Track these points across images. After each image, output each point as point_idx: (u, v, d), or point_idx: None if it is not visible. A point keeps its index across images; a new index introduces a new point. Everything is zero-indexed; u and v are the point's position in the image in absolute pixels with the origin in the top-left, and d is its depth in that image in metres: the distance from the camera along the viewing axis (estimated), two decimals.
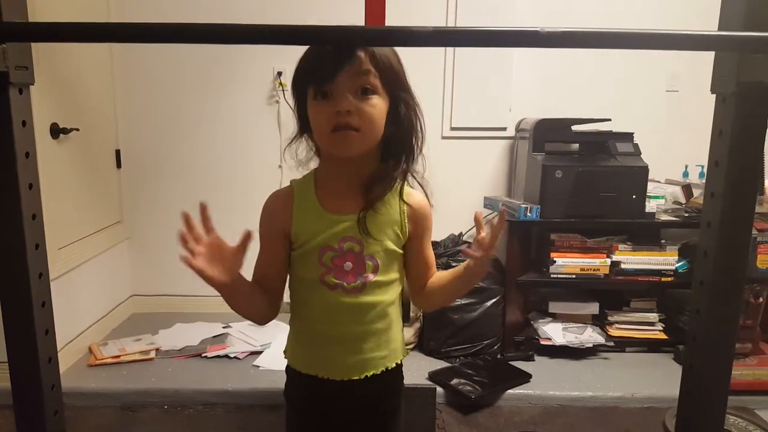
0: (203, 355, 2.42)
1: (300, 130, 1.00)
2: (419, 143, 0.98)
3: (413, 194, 1.02)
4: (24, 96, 0.71)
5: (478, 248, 0.93)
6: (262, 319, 1.02)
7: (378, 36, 0.73)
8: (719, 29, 0.72)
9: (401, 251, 1.01)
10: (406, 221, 0.99)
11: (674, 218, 2.52)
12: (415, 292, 1.08)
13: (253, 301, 0.98)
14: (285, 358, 1.09)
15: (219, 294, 0.89)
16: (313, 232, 0.96)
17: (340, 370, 1.01)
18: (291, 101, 1.00)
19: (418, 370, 2.32)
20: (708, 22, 0.69)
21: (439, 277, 1.07)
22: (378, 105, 0.91)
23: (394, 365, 1.06)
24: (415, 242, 1.02)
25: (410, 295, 1.09)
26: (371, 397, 1.05)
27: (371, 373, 1.02)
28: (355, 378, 1.01)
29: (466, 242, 2.70)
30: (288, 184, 1.03)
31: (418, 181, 1.02)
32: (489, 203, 2.76)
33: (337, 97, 0.88)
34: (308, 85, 0.92)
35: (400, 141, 0.96)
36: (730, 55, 0.70)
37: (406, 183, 1.01)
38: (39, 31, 0.68)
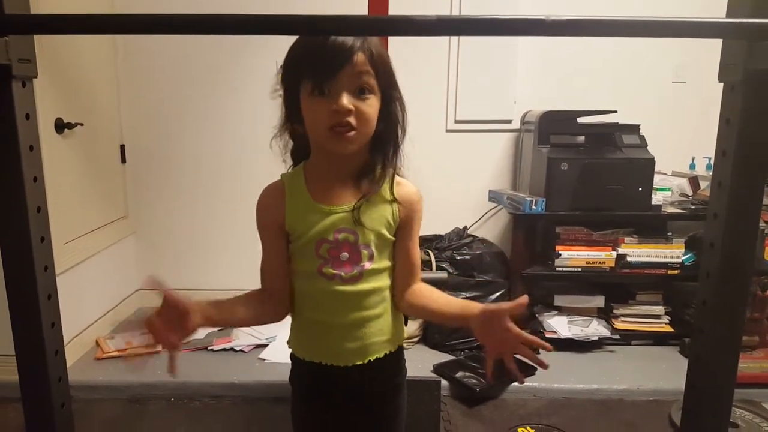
0: (209, 348, 2.44)
1: (287, 118, 0.99)
2: (403, 136, 1.01)
3: (404, 183, 1.03)
4: (27, 89, 0.71)
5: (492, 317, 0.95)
6: (270, 320, 1.04)
7: (380, 25, 0.73)
8: (727, 16, 0.71)
9: (393, 238, 1.01)
10: (397, 208, 1.00)
11: (681, 210, 2.51)
12: (397, 292, 1.05)
13: (239, 315, 1.01)
14: (289, 347, 1.10)
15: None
16: (307, 225, 0.97)
17: (342, 357, 1.02)
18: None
19: (422, 363, 2.32)
20: (715, 10, 0.68)
21: (438, 297, 1.04)
22: (374, 105, 0.93)
23: (395, 348, 1.07)
24: (403, 233, 1.02)
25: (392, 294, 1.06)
26: (374, 380, 1.06)
27: (374, 357, 1.03)
28: (358, 363, 1.02)
29: (471, 236, 2.69)
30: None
31: (396, 173, 1.03)
32: (494, 196, 2.75)
33: (336, 95, 0.89)
34: (304, 78, 0.91)
35: (388, 135, 0.99)
36: (738, 42, 0.69)
37: (396, 173, 1.03)
38: (41, 23, 0.68)
